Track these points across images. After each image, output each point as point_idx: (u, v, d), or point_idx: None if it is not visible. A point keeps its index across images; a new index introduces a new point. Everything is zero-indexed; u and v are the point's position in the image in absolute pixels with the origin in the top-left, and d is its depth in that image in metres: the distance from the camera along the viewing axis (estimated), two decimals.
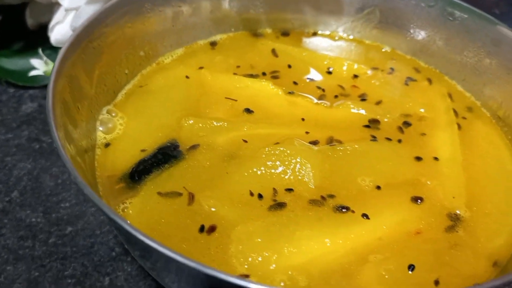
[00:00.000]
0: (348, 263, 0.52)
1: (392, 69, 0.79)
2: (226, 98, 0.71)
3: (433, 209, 0.58)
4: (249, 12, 0.82)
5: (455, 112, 0.71)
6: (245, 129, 0.65)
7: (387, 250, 0.53)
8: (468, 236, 0.56)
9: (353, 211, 0.56)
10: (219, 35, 0.83)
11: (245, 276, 0.49)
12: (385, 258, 0.52)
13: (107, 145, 0.63)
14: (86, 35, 0.61)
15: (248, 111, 0.69)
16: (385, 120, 0.69)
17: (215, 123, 0.66)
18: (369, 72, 0.78)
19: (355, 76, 0.77)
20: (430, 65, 0.80)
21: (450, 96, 0.75)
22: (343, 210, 0.56)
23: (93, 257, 0.66)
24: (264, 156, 0.60)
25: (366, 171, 0.61)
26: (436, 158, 0.64)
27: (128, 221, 0.42)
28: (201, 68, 0.76)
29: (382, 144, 0.65)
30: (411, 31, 0.80)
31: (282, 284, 0.49)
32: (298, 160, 0.60)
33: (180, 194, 0.57)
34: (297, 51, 0.81)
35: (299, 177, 0.59)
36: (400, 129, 0.68)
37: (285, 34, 0.85)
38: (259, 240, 0.52)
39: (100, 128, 0.63)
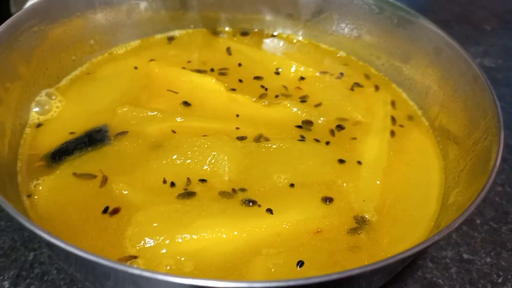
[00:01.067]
0: (240, 254, 0.52)
1: (341, 74, 0.79)
2: (168, 90, 0.73)
3: (340, 210, 0.58)
4: (209, 10, 0.84)
5: (393, 119, 0.71)
6: (177, 120, 0.67)
7: (282, 245, 0.54)
8: (370, 240, 0.55)
9: (259, 205, 0.57)
10: (178, 31, 0.85)
11: (133, 258, 0.50)
12: (278, 252, 0.53)
13: (39, 125, 0.65)
14: (26, 19, 0.63)
15: (186, 104, 0.71)
16: (319, 121, 0.70)
17: (149, 113, 0.67)
18: (318, 74, 0.79)
19: (302, 78, 0.77)
20: (380, 72, 0.80)
21: (393, 103, 0.74)
22: (250, 204, 0.57)
23: (24, 233, 0.68)
24: (185, 146, 0.62)
25: (284, 168, 0.61)
26: (359, 162, 0.64)
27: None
28: (151, 60, 0.78)
29: (307, 144, 0.65)
30: (364, 37, 0.80)
31: (168, 267, 0.50)
32: (215, 153, 0.61)
33: (94, 177, 0.59)
34: (250, 51, 0.82)
35: (215, 169, 0.60)
36: (332, 132, 0.68)
37: (245, 33, 0.87)
38: (156, 224, 0.53)
39: (35, 109, 0.66)
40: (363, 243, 0.55)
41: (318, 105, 0.73)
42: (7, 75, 0.60)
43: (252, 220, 0.55)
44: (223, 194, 0.58)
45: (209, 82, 0.73)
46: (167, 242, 0.52)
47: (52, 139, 0.63)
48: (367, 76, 0.80)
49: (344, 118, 0.71)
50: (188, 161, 0.60)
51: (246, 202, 0.57)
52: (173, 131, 0.65)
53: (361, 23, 0.80)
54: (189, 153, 0.61)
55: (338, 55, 0.84)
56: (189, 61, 0.79)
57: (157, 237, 0.52)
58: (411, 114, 0.73)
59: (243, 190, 0.59)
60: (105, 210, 0.55)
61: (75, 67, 0.74)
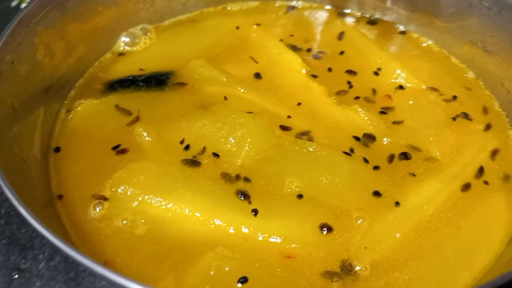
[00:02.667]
0: (197, 241, 0.49)
1: (454, 97, 0.64)
2: (250, 57, 0.69)
3: (332, 246, 0.48)
4: None
5: (481, 171, 0.55)
6: (236, 89, 0.64)
7: (241, 252, 0.48)
8: None
9: (249, 202, 0.51)
10: (301, 2, 0.79)
11: (103, 199, 0.51)
12: (230, 257, 0.47)
13: (120, 54, 0.69)
14: None
15: (257, 75, 0.67)
16: (383, 141, 0.58)
17: (215, 72, 0.66)
18: (424, 87, 0.65)
19: (400, 88, 0.65)
20: (504, 109, 0.62)
21: (494, 153, 0.57)
22: (242, 197, 0.52)
23: None
24: (220, 115, 0.59)
25: (303, 176, 0.53)
26: (397, 203, 0.52)
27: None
28: (257, 25, 0.75)
29: (348, 160, 0.55)
30: (500, 55, 0.62)
31: (124, 222, 0.50)
32: (241, 132, 0.56)
33: (130, 114, 0.61)
34: (362, 42, 0.71)
35: (233, 149, 0.56)
36: (391, 158, 0.56)
37: (372, 22, 0.76)
38: (142, 177, 0.52)
39: (125, 39, 0.70)
40: None
41: (397, 122, 0.60)
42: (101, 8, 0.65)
43: (230, 213, 0.50)
44: (225, 176, 0.54)
45: (293, 61, 0.67)
46: (140, 198, 0.51)
47: (124, 70, 0.67)
48: (485, 110, 0.63)
49: (417, 148, 0.57)
50: (214, 130, 0.57)
51: (239, 194, 0.52)
52: (225, 98, 0.62)
53: (504, 41, 0.62)
54: (219, 123, 0.58)
55: (465, 75, 0.67)
56: (291, 35, 0.74)
57: (135, 190, 0.51)
58: (509, 173, 0.55)
59: (246, 180, 0.53)
60: (116, 147, 0.57)
61: (183, 12, 0.76)
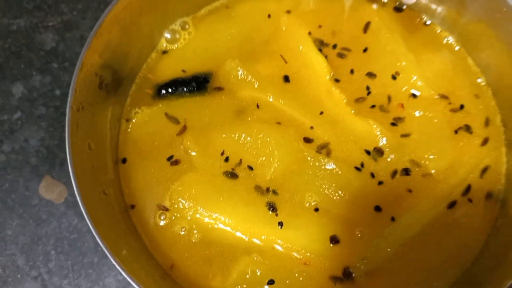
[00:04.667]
0: (236, 246, 0.65)
1: (461, 106, 0.72)
2: (280, 55, 0.76)
3: (337, 255, 0.64)
4: None
5: (468, 189, 0.66)
6: (267, 96, 0.73)
7: (270, 258, 0.64)
8: None
9: (276, 214, 0.66)
10: None
11: (165, 209, 0.67)
12: (262, 263, 0.64)
13: (164, 52, 0.77)
14: None
15: (286, 79, 0.74)
16: (389, 157, 0.69)
17: (249, 77, 0.74)
18: (436, 97, 0.72)
19: (413, 96, 0.72)
20: (506, 125, 0.70)
21: (484, 171, 0.68)
22: (271, 209, 0.66)
23: None
24: (255, 131, 0.69)
25: (320, 191, 0.66)
26: (392, 219, 0.65)
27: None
28: (288, 12, 0.79)
29: (357, 176, 0.67)
30: None
31: (182, 231, 0.66)
32: (272, 149, 0.68)
33: (178, 122, 0.72)
34: (385, 37, 0.76)
35: (265, 163, 0.68)
36: (394, 174, 0.68)
37: (398, 9, 0.79)
38: (193, 191, 0.67)
39: (166, 35, 0.77)
40: None
41: (405, 135, 0.70)
42: (145, 5, 0.70)
43: (262, 225, 0.65)
44: (258, 189, 0.67)
45: (319, 64, 0.74)
46: (193, 210, 0.66)
47: (169, 70, 0.76)
48: (487, 123, 0.71)
49: (417, 163, 0.68)
50: (249, 145, 0.69)
51: (269, 206, 0.66)
52: (258, 106, 0.72)
53: None
54: (252, 138, 0.69)
55: (478, 81, 0.74)
56: (320, 26, 0.78)
57: (189, 203, 0.66)
58: (492, 192, 0.67)
59: (275, 193, 0.67)
60: (169, 158, 0.70)
61: None
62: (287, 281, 0.63)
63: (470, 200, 0.66)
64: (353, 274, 0.63)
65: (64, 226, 0.77)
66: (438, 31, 0.77)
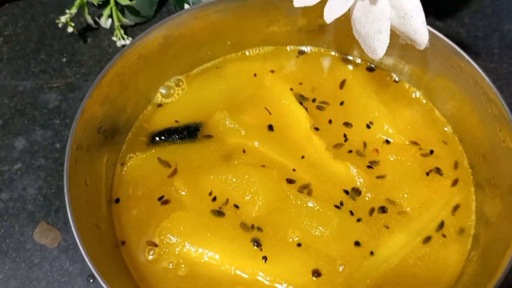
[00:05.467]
0: (222, 281, 0.67)
1: (431, 151, 0.78)
2: (265, 107, 0.84)
3: None
4: (343, 35, 0.86)
5: (441, 226, 0.71)
6: (253, 143, 0.79)
7: None
8: None
9: (261, 249, 0.69)
10: (310, 47, 0.91)
11: (154, 245, 0.70)
12: None
13: (159, 105, 0.85)
14: (174, 22, 0.79)
15: (270, 128, 0.81)
16: (366, 196, 0.74)
17: (236, 126, 0.80)
18: (407, 143, 0.79)
19: (387, 142, 0.79)
20: (473, 168, 0.76)
21: (455, 208, 0.72)
22: (255, 245, 0.69)
23: None
24: (240, 172, 0.75)
25: (302, 227, 0.70)
26: (372, 253, 0.69)
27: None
28: (272, 71, 0.88)
29: (336, 214, 0.71)
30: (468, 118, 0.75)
31: (170, 265, 0.69)
32: (256, 189, 0.73)
33: (169, 166, 0.77)
34: (360, 92, 0.84)
35: (250, 202, 0.73)
36: (371, 211, 0.72)
37: (370, 69, 0.88)
38: (182, 228, 0.70)
39: (162, 91, 0.85)
40: None
41: (380, 177, 0.76)
42: (143, 63, 0.79)
43: (247, 259, 0.68)
44: (243, 225, 0.71)
45: (300, 115, 0.81)
46: (181, 246, 0.69)
47: (163, 120, 0.82)
48: (456, 166, 0.77)
49: (393, 202, 0.73)
50: (235, 185, 0.74)
51: (254, 242, 0.70)
52: (244, 151, 0.78)
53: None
54: (238, 179, 0.74)
55: (445, 129, 0.81)
56: (300, 83, 0.87)
57: (177, 238, 0.70)
58: (464, 227, 0.71)
59: (259, 229, 0.71)
60: (160, 198, 0.74)
61: (209, 60, 0.89)
62: None
63: (444, 236, 0.70)
64: None
65: (56, 270, 0.79)
66: (407, 87, 0.85)
